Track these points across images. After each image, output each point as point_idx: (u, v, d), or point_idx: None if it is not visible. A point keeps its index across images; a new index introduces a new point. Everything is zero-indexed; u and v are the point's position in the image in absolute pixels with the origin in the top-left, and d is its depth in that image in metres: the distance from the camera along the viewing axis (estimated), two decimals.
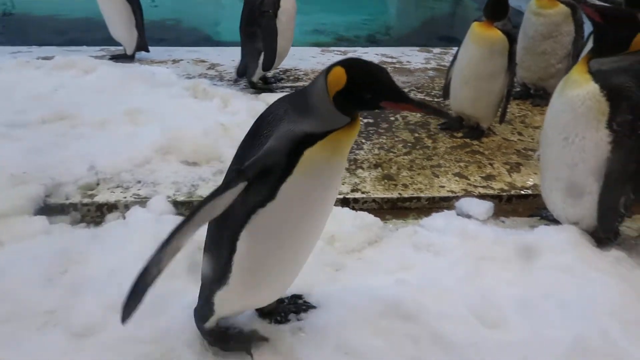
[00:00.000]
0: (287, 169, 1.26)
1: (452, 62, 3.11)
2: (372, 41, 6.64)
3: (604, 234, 2.17)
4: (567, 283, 1.90)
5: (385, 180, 2.68)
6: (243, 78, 3.74)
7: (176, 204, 2.40)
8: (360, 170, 2.76)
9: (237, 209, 1.30)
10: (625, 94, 1.87)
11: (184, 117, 2.98)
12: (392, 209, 2.55)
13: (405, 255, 2.08)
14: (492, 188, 2.68)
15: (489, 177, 2.77)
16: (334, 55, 4.60)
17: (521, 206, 2.63)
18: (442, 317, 1.74)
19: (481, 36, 2.83)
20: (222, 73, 4.06)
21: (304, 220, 1.38)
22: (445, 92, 3.22)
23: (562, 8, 3.35)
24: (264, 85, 3.75)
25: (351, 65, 1.24)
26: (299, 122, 1.27)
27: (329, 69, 1.25)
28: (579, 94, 1.93)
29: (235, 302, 1.52)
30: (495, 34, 2.81)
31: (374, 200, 2.56)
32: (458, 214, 2.42)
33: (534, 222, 2.42)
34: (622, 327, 1.67)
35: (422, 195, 2.59)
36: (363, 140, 3.10)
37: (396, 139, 3.15)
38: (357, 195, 2.55)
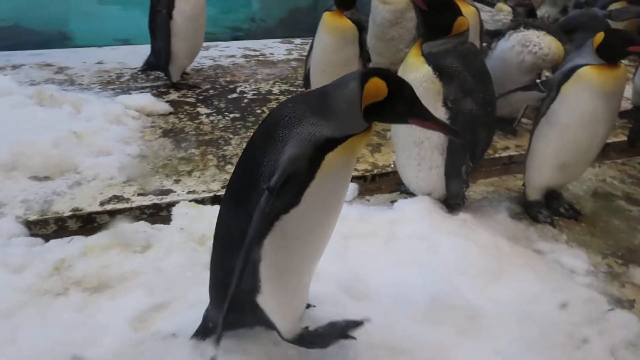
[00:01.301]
0: (310, 174, 1.23)
1: (309, 52, 3.21)
2: (236, 34, 6.59)
3: (452, 200, 2.42)
4: (424, 249, 2.08)
5: None
6: (147, 71, 3.85)
7: (28, 223, 2.20)
8: (229, 166, 2.75)
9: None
10: (453, 73, 2.09)
11: (29, 128, 2.70)
12: None
13: None
14: (357, 170, 2.83)
15: None
16: None
17: (384, 183, 2.82)
18: (316, 298, 1.81)
19: (332, 25, 2.95)
20: (73, 77, 3.75)
21: (325, 221, 1.38)
22: (306, 81, 3.32)
23: None
24: (182, 82, 3.73)
25: (391, 79, 1.26)
26: (319, 125, 1.23)
27: (364, 77, 1.25)
28: (416, 77, 2.11)
29: (279, 306, 1.46)
30: (346, 23, 2.94)
31: None
32: None
33: (395, 197, 2.61)
34: (469, 281, 1.89)
35: None
36: (231, 136, 3.08)
37: None
38: None
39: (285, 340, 1.54)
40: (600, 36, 2.14)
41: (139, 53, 4.25)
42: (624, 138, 3.03)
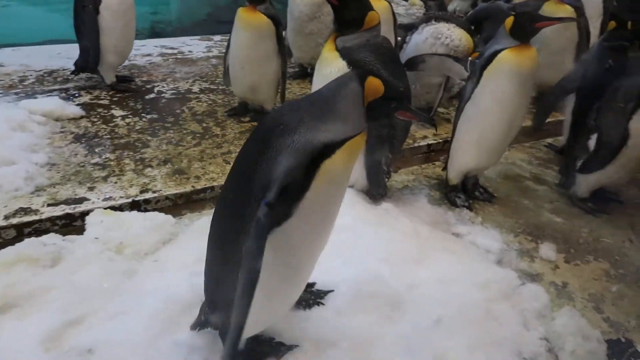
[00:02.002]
0: (305, 185, 1.20)
1: (227, 49, 3.15)
2: (155, 33, 6.35)
3: (374, 191, 2.47)
4: (348, 240, 2.11)
5: (177, 175, 2.62)
6: (79, 73, 3.54)
7: None
8: (149, 169, 2.65)
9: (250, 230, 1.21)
10: (367, 67, 2.12)
11: None
12: (188, 203, 2.51)
13: (201, 247, 2.02)
14: None
15: None
16: None
17: None
18: None
19: (247, 21, 2.91)
20: None
21: (320, 231, 1.35)
22: (226, 79, 3.25)
23: None
24: (118, 85, 3.54)
25: (382, 77, 1.33)
26: (316, 131, 1.21)
27: (360, 76, 1.29)
28: (331, 72, 2.12)
29: (260, 319, 1.42)
30: (261, 18, 2.91)
31: (166, 197, 2.48)
32: None
33: None
34: (392, 268, 1.94)
35: (215, 184, 2.59)
36: (149, 138, 2.97)
37: (184, 131, 3.08)
38: (148, 195, 2.44)
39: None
40: (510, 19, 2.29)
41: (45, 54, 4.01)
42: (530, 122, 3.23)
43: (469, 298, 1.88)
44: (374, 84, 1.30)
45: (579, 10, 3.56)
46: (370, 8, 2.16)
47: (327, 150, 1.22)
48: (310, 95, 1.36)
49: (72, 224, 2.25)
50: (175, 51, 4.45)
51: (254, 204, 1.20)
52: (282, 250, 1.26)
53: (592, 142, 2.56)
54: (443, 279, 1.94)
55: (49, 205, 2.28)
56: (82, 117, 3.11)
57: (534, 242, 2.38)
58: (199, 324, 1.60)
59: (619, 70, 2.53)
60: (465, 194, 2.68)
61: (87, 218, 2.16)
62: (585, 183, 2.68)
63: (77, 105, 3.22)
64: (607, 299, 2.07)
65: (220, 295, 1.43)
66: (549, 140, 3.47)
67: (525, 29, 2.28)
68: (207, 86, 3.78)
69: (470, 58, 2.46)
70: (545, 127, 3.31)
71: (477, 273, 2.02)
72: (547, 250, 2.31)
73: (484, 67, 2.33)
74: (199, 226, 2.23)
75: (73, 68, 3.49)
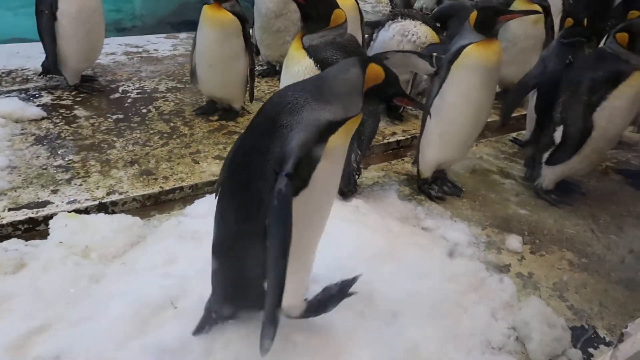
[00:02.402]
0: (317, 157, 1.30)
1: (193, 47, 3.10)
2: (118, 31, 6.20)
3: (344, 187, 2.48)
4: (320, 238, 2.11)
5: (144, 176, 2.57)
6: (47, 75, 3.45)
7: None
8: (115, 171, 2.59)
9: (267, 201, 1.26)
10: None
11: None
12: (156, 204, 2.48)
13: (170, 248, 2.03)
14: None
15: None
16: None
17: None
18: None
19: (213, 19, 2.87)
20: None
21: (329, 198, 1.47)
22: (193, 77, 3.21)
23: None
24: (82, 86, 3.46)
25: (384, 65, 1.41)
26: (321, 110, 1.30)
27: (363, 63, 1.37)
28: (299, 70, 2.13)
29: (289, 286, 1.38)
30: (226, 16, 2.87)
31: (134, 199, 2.43)
32: None
33: None
34: (363, 264, 1.94)
35: (184, 184, 2.56)
36: (115, 138, 2.90)
37: (151, 131, 3.03)
38: (115, 197, 2.39)
39: (293, 317, 1.59)
40: (474, 14, 2.34)
41: (2, 53, 3.90)
42: (497, 118, 3.31)
43: (439, 291, 1.91)
44: (376, 71, 1.38)
45: (547, 9, 3.67)
46: (337, 6, 2.16)
47: (332, 126, 1.32)
48: (313, 77, 1.45)
49: (35, 229, 2.19)
50: (140, 49, 4.37)
51: (270, 177, 1.27)
52: (299, 218, 1.31)
53: (558, 135, 2.63)
54: (414, 273, 1.97)
55: (10, 209, 2.21)
56: (43, 118, 3.02)
57: (500, 234, 2.44)
58: (208, 323, 1.60)
59: (578, 65, 2.61)
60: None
61: (51, 222, 2.10)
62: (550, 175, 2.75)
63: (38, 106, 3.13)
64: (570, 288, 2.14)
65: (240, 273, 1.47)
66: (514, 134, 3.56)
67: (489, 23, 2.33)
68: (174, 85, 3.72)
69: (434, 54, 2.49)
70: (510, 122, 3.40)
71: (446, 266, 2.06)
72: (513, 241, 2.36)
73: (451, 61, 2.37)
74: (167, 227, 2.20)
75: (34, 68, 3.39)
